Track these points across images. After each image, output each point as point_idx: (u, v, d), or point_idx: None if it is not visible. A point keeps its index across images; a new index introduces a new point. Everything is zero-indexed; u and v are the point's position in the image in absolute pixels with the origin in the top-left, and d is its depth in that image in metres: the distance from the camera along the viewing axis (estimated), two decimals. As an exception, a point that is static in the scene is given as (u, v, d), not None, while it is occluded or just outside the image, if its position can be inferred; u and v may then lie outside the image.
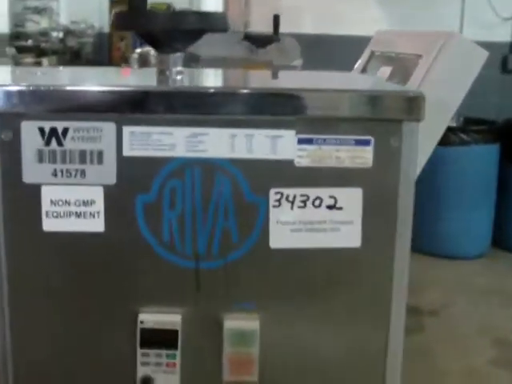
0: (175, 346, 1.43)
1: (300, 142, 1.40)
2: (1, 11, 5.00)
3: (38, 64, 4.47)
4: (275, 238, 1.43)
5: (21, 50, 4.85)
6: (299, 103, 1.40)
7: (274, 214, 1.42)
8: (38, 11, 5.23)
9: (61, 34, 5.30)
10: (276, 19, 3.29)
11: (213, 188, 1.40)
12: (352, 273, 1.46)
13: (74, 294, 1.43)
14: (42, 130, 1.37)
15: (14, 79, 1.59)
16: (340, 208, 1.42)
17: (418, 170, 1.57)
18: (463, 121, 4.45)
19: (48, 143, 1.37)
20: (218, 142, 1.38)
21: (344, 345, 1.49)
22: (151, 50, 1.60)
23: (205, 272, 1.43)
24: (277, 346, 1.47)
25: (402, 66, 2.29)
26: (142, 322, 1.42)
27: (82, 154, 1.38)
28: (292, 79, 1.95)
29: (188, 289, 1.43)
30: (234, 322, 1.44)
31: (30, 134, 1.36)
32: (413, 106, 1.41)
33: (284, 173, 1.41)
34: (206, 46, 2.81)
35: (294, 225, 1.43)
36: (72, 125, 1.37)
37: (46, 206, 1.39)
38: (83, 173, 1.38)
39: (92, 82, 1.55)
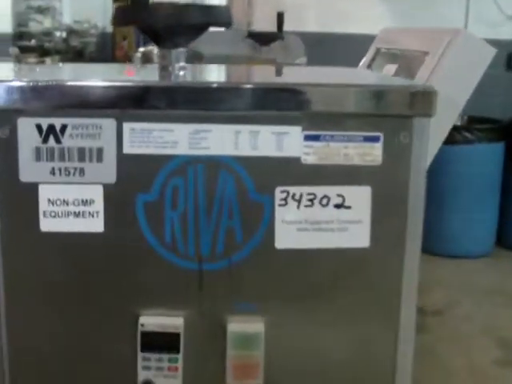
0: (177, 350, 1.37)
1: (307, 138, 1.34)
2: (4, 11, 4.95)
3: (42, 64, 4.39)
4: (281, 238, 1.37)
5: (24, 49, 4.79)
6: (306, 98, 1.34)
7: (280, 214, 1.36)
8: (41, 11, 5.17)
9: (64, 34, 5.24)
10: (280, 17, 3.23)
11: (216, 187, 1.34)
12: (360, 274, 1.40)
13: (72, 296, 1.38)
14: (39, 127, 1.31)
15: (11, 75, 1.52)
16: (348, 207, 1.37)
17: (424, 169, 1.51)
18: (467, 119, 4.39)
19: (46, 140, 1.31)
20: (222, 139, 1.33)
21: (352, 348, 1.43)
22: (154, 49, 1.54)
23: (208, 273, 1.37)
24: (282, 350, 1.41)
25: (408, 63, 2.24)
26: (142, 325, 1.36)
27: (81, 151, 1.32)
28: (298, 74, 1.88)
29: (190, 291, 1.38)
30: (237, 325, 1.38)
31: (27, 130, 1.31)
32: (424, 101, 1.35)
33: (290, 170, 1.35)
34: (209, 43, 2.75)
35: (301, 224, 1.37)
36: (70, 121, 1.31)
37: (43, 205, 1.33)
38: (82, 171, 1.32)
39: (91, 77, 1.48)
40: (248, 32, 3.33)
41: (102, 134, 1.31)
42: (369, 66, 2.30)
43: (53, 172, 1.32)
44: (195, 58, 2.63)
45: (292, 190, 1.35)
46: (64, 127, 1.31)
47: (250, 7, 4.56)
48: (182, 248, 1.35)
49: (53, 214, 1.33)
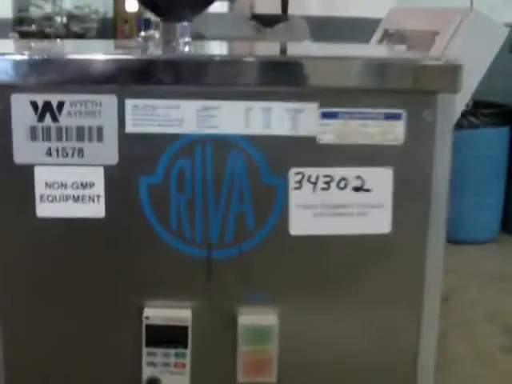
0: (184, 345, 1.26)
1: (323, 116, 1.23)
2: (4, -4, 4.84)
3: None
4: (295, 224, 1.26)
5: (24, 35, 4.68)
6: (322, 72, 1.23)
7: (294, 197, 1.25)
8: (42, -4, 5.06)
9: (64, 19, 5.13)
10: (284, -2, 3.12)
11: (226, 168, 1.23)
12: (381, 262, 1.29)
13: (71, 286, 1.27)
14: (34, 104, 1.20)
15: (4, 49, 1.40)
16: (368, 190, 1.26)
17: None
18: (472, 104, 4.27)
19: (41, 119, 1.21)
20: (232, 117, 1.22)
21: (372, 337, 1.33)
22: (156, 33, 1.44)
23: (217, 262, 1.27)
24: (297, 343, 1.30)
25: (418, 44, 2.18)
26: (147, 318, 1.26)
27: (80, 130, 1.21)
28: (312, 49, 1.76)
29: (199, 281, 1.27)
30: (249, 317, 1.28)
31: (21, 108, 1.20)
32: (449, 75, 1.24)
33: (305, 151, 1.24)
34: (211, 25, 2.64)
35: (317, 209, 1.26)
36: (68, 98, 1.20)
37: (39, 189, 1.23)
38: (81, 152, 1.22)
39: (90, 50, 1.35)
40: (251, 14, 3.20)
41: (103, 111, 1.21)
42: (377, 47, 2.23)
43: (49, 153, 1.22)
44: (197, 40, 2.52)
45: (307, 171, 1.24)
46: (61, 104, 1.20)
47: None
48: (189, 234, 1.25)
49: (50, 198, 1.23)
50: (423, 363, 1.33)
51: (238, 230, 1.26)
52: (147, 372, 1.27)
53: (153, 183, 1.23)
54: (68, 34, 5.07)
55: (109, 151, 1.22)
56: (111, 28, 5.14)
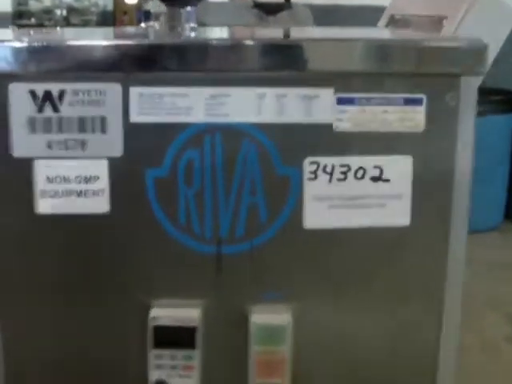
0: (193, 346, 1.18)
1: (340, 101, 1.14)
2: (3, -10, 4.76)
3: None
4: (310, 217, 1.18)
5: (24, 28, 4.59)
6: (337, 55, 1.14)
7: (309, 188, 1.17)
8: (41, -11, 4.97)
9: (64, 12, 5.04)
10: (288, -15, 3.03)
11: (237, 159, 1.15)
12: (400, 255, 1.21)
13: (74, 286, 1.19)
14: (33, 94, 1.12)
15: (1, 36, 1.32)
16: (387, 180, 1.18)
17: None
18: (478, 90, 4.18)
19: (41, 109, 1.12)
20: (243, 104, 1.13)
21: (391, 335, 1.25)
22: (156, 25, 1.37)
23: (227, 258, 1.18)
24: (312, 343, 1.22)
25: (426, 29, 2.10)
26: (154, 318, 1.17)
27: (82, 121, 1.13)
28: (324, 32, 1.67)
29: (208, 278, 1.19)
30: (261, 316, 1.19)
31: (19, 98, 1.12)
32: (474, 57, 1.16)
33: (321, 139, 1.16)
34: (213, 14, 2.56)
35: (333, 200, 1.18)
36: (69, 87, 1.12)
37: (40, 183, 1.14)
38: (84, 144, 1.14)
39: (92, 37, 1.27)
40: (254, 2, 3.12)
41: (106, 100, 1.12)
42: (383, 33, 2.13)
43: (50, 145, 1.13)
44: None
45: (323, 161, 1.16)
46: (62, 93, 1.12)
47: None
48: (197, 229, 1.17)
49: (51, 193, 1.15)
50: (444, 361, 1.26)
51: (249, 223, 1.17)
52: (154, 375, 1.19)
53: (160, 176, 1.15)
54: (68, 26, 4.98)
55: (113, 143, 1.14)
56: (111, 20, 5.06)
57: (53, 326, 1.20)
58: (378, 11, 2.37)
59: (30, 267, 1.17)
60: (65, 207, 1.15)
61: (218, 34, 1.58)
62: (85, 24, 5.12)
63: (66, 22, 5.06)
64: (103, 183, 1.14)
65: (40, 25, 4.94)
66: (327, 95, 1.14)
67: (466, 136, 1.18)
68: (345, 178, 1.17)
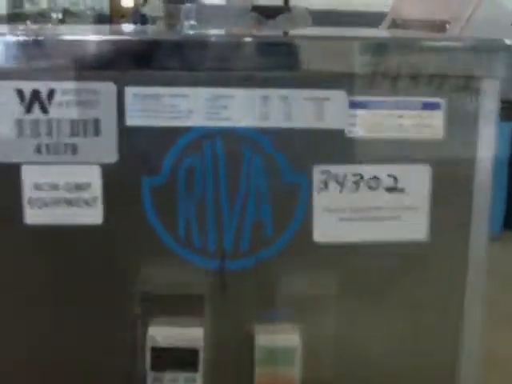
0: (195, 368, 1.08)
1: (352, 105, 1.05)
2: (-2, -8, 4.68)
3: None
4: (320, 230, 1.08)
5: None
6: (351, 54, 1.04)
7: (319, 199, 1.07)
8: (37, -9, 4.90)
9: (60, 15, 4.96)
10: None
11: (241, 167, 1.05)
12: (416, 271, 1.11)
13: (64, 302, 1.09)
14: (20, 93, 1.02)
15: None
16: (402, 190, 1.08)
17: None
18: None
19: (29, 110, 1.03)
20: (247, 107, 1.04)
21: (406, 355, 1.15)
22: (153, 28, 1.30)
23: (231, 273, 1.09)
24: (322, 365, 1.13)
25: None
26: (152, 338, 1.08)
27: (74, 124, 1.03)
28: (334, 31, 1.58)
29: (211, 295, 1.09)
30: (268, 337, 1.10)
31: (5, 98, 1.02)
32: (496, 58, 1.06)
33: (331, 146, 1.06)
34: (210, 17, 2.46)
35: (344, 212, 1.08)
36: (60, 86, 1.02)
37: (28, 191, 1.05)
38: (75, 148, 1.04)
39: (85, 33, 1.17)
40: (252, 5, 3.02)
41: (99, 101, 1.03)
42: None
43: (39, 150, 1.04)
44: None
45: (334, 169, 1.07)
46: (52, 93, 1.02)
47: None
48: (198, 243, 1.07)
49: (39, 202, 1.05)
50: (466, 373, 1.16)
51: (254, 236, 1.08)
52: (152, 399, 1.08)
53: (157, 184, 1.05)
54: (63, 30, 4.90)
55: (106, 147, 1.04)
56: (108, 24, 4.99)
57: (40, 348, 1.09)
58: (377, 17, 2.30)
59: (17, 282, 1.08)
60: (54, 217, 1.05)
61: (219, 32, 1.48)
62: (80, 27, 5.04)
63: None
64: (96, 191, 1.05)
65: (35, 28, 4.85)
66: (338, 98, 1.05)
67: (487, 143, 1.09)
68: (357, 188, 1.08)
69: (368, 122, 1.05)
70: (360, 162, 1.07)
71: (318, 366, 1.13)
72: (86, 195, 1.05)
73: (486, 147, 1.09)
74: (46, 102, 1.02)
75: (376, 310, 1.12)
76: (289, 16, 2.98)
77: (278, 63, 1.04)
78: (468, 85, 1.06)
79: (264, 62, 1.04)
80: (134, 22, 4.41)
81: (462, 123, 1.07)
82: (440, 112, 1.06)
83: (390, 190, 1.08)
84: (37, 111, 1.02)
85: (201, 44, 1.03)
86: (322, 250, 1.09)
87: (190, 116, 1.04)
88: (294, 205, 1.07)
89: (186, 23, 1.24)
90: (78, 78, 1.02)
